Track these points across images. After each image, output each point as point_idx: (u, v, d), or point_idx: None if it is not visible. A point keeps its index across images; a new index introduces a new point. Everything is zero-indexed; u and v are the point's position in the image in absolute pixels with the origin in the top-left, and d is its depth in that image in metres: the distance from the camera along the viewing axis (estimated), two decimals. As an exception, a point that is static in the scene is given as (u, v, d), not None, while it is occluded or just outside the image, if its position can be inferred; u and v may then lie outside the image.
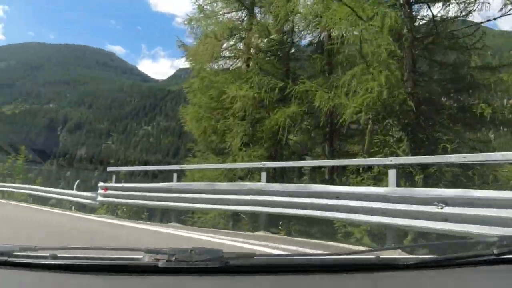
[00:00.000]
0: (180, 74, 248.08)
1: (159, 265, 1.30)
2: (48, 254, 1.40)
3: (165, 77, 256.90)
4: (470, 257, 1.48)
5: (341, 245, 5.01)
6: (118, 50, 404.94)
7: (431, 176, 5.99)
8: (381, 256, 1.49)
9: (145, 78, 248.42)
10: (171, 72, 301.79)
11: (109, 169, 9.35)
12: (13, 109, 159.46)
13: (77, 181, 12.07)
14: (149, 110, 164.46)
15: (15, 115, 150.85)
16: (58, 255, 1.40)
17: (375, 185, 5.86)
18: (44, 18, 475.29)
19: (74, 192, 10.98)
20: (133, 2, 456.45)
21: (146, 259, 1.36)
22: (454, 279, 1.38)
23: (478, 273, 1.42)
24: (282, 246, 4.57)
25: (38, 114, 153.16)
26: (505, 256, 1.43)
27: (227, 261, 1.33)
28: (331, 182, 7.48)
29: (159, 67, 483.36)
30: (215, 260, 1.33)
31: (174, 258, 1.32)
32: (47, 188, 13.21)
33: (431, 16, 7.29)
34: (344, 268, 1.40)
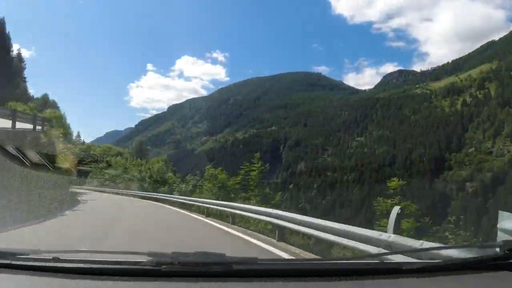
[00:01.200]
0: (387, 80, 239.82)
1: (162, 269, 1.30)
2: (51, 257, 1.40)
3: (371, 86, 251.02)
4: (474, 262, 1.47)
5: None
6: (322, 70, 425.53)
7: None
8: (385, 261, 1.43)
9: (352, 91, 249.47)
10: (377, 80, 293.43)
11: None
12: (243, 134, 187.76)
13: (396, 209, 4.41)
14: (360, 121, 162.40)
15: (245, 138, 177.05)
16: (61, 258, 1.39)
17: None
18: (258, 57, 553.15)
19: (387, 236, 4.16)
20: (331, 22, 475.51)
21: (149, 263, 1.34)
22: (458, 283, 1.35)
23: (482, 278, 1.38)
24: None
25: (263, 136, 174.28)
26: (510, 261, 1.39)
27: (230, 265, 1.32)
28: None
29: (363, 78, 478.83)
30: (218, 264, 1.32)
31: (177, 262, 1.32)
32: (302, 218, 6.43)
33: None
34: (348, 272, 1.37)
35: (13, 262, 1.39)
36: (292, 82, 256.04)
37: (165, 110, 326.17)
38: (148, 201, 25.95)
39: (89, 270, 1.32)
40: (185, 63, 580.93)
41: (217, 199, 14.95)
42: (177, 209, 17.82)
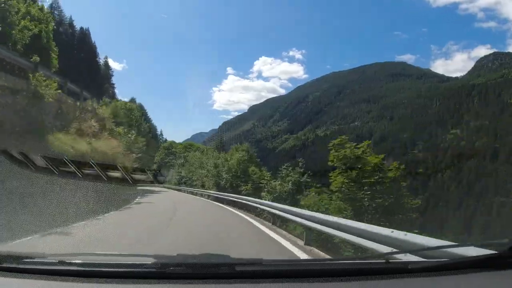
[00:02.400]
0: (481, 65, 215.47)
1: (167, 271, 1.30)
2: (56, 261, 1.40)
3: (464, 72, 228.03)
4: (481, 260, 1.45)
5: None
6: (407, 58, 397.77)
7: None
8: (390, 260, 1.42)
9: (441, 78, 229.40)
10: (470, 65, 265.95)
11: None
12: (325, 131, 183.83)
13: None
14: (454, 111, 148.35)
15: (326, 136, 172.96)
16: (67, 261, 1.39)
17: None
18: (336, 50, 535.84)
19: None
20: (413, 6, 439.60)
21: (154, 265, 1.35)
22: (465, 282, 1.34)
23: (489, 277, 1.36)
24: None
25: (346, 132, 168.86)
26: None
27: (235, 267, 1.31)
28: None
29: (454, 64, 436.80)
30: (223, 266, 1.33)
31: (182, 264, 1.33)
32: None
33: None
34: (354, 273, 1.36)
35: (19, 266, 1.38)
36: (374, 74, 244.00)
37: (246, 111, 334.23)
38: (222, 205, 19.23)
39: (94, 273, 1.30)
40: (263, 64, 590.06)
41: (368, 220, 8.36)
42: (276, 236, 8.17)
